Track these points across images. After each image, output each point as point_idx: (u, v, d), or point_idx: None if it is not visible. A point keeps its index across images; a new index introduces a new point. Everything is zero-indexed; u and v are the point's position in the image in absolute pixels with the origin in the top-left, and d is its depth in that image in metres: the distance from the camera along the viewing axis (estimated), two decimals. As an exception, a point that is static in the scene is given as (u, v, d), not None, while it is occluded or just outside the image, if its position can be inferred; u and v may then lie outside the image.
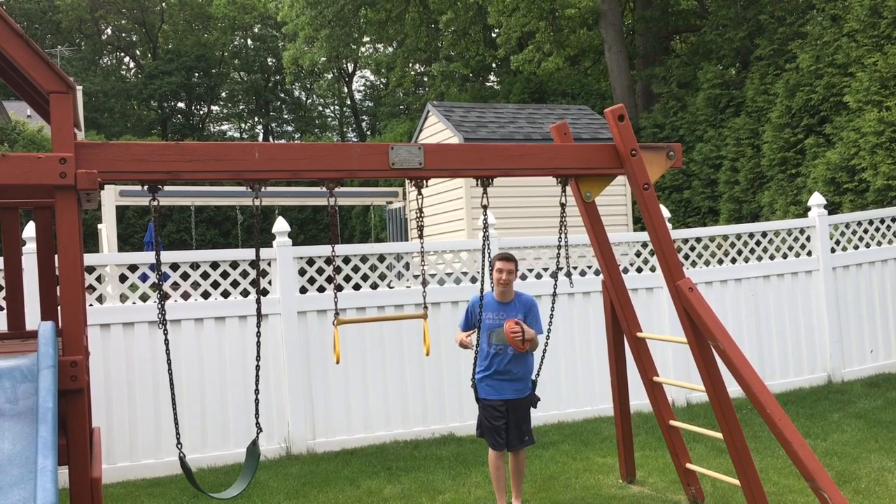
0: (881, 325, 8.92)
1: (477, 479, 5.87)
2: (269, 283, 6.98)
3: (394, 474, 6.08)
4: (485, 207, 4.58)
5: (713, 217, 15.71)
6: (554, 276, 7.72)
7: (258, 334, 4.24)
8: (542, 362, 5.11)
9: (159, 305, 4.00)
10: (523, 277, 7.76)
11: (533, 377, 5.13)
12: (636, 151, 4.64)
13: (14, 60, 3.45)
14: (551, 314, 5.15)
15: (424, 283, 4.95)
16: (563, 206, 4.86)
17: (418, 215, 4.57)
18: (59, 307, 4.29)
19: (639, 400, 6.11)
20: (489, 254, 4.93)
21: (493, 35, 26.35)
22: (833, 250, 8.72)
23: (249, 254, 6.92)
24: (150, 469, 6.37)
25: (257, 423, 4.22)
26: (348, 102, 45.52)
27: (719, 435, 4.68)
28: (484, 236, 4.82)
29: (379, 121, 39.82)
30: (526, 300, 5.18)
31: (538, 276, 7.79)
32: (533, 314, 5.10)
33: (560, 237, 5.01)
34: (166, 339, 3.99)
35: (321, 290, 7.13)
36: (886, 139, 10.57)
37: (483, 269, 4.95)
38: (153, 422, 6.45)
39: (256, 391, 4.23)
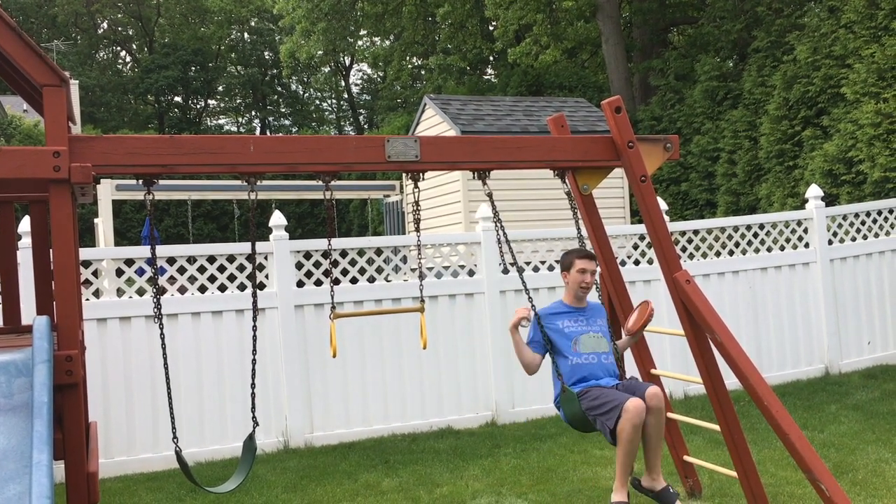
0: (878, 317, 8.93)
1: (475, 471, 5.87)
2: (266, 277, 6.97)
3: (392, 467, 6.08)
4: (489, 195, 4.50)
5: (711, 209, 15.70)
6: (551, 269, 7.75)
7: (255, 328, 4.23)
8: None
9: (156, 300, 3.99)
10: (521, 271, 7.75)
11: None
12: (633, 143, 4.62)
13: (6, 53, 3.43)
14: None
15: (422, 277, 4.94)
16: (569, 195, 4.81)
17: (415, 208, 4.56)
18: (54, 302, 4.28)
19: (636, 392, 6.10)
20: (500, 245, 4.61)
21: (491, 28, 26.28)
22: (830, 242, 8.72)
23: (246, 248, 6.90)
24: (147, 463, 6.37)
25: (254, 416, 4.21)
26: (345, 96, 45.45)
27: (717, 427, 4.68)
28: (497, 225, 4.53)
29: (376, 114, 39.77)
30: (600, 306, 4.75)
31: (535, 270, 7.78)
32: (607, 322, 4.69)
33: (561, 229, 4.98)
34: (162, 334, 3.98)
35: (318, 283, 7.12)
36: (884, 131, 10.56)
37: (503, 258, 4.63)
38: (150, 416, 6.44)
39: (253, 385, 4.22)
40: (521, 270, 4.69)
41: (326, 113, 48.24)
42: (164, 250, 6.59)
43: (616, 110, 4.63)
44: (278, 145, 4.07)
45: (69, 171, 3.40)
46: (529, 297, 4.58)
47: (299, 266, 7.07)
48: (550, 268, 7.81)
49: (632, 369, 5.36)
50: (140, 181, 3.87)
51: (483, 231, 7.41)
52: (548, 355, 4.59)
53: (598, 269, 4.73)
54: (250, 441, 4.22)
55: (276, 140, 4.08)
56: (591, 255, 4.69)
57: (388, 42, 32.19)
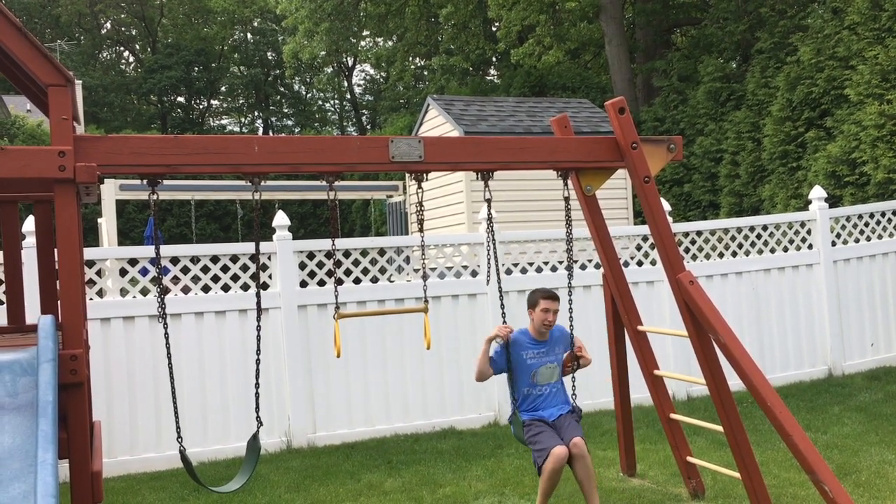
0: (882, 319, 8.92)
1: (477, 472, 5.87)
2: (270, 277, 6.98)
3: (394, 468, 6.09)
4: (488, 201, 4.57)
5: (714, 211, 15.69)
6: (554, 269, 7.76)
7: (258, 328, 4.24)
8: (574, 385, 4.95)
9: (159, 299, 3.99)
10: (523, 271, 7.76)
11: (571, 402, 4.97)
12: (637, 144, 4.62)
13: (12, 53, 3.44)
14: (570, 308, 4.98)
15: (425, 277, 4.95)
16: (566, 199, 4.83)
17: (418, 209, 4.57)
18: (58, 301, 4.29)
19: (639, 393, 6.11)
20: (492, 247, 4.90)
21: (494, 29, 26.30)
22: (834, 244, 8.71)
23: (249, 248, 6.91)
24: (150, 463, 6.38)
25: (258, 416, 4.22)
26: (348, 96, 45.47)
27: (720, 428, 4.68)
28: (486, 229, 4.78)
29: (379, 115, 39.79)
30: (562, 332, 5.00)
31: (538, 270, 7.78)
32: (568, 342, 4.95)
33: (558, 231, 5.00)
34: (166, 333, 3.99)
35: (321, 283, 7.12)
36: (887, 132, 10.54)
37: (490, 264, 4.92)
38: (154, 415, 6.45)
39: (257, 385, 4.23)
40: (500, 279, 4.91)
41: (329, 113, 48.27)
42: (167, 250, 6.60)
43: (620, 111, 4.63)
44: (282, 145, 4.08)
45: (74, 170, 3.41)
46: (504, 320, 4.90)
47: (302, 266, 7.07)
48: (553, 269, 7.80)
49: (633, 370, 5.37)
50: (144, 181, 3.88)
51: (486, 232, 7.39)
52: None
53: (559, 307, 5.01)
54: (254, 441, 4.23)
55: (280, 140, 4.09)
56: (555, 295, 4.99)
57: (390, 43, 32.21)
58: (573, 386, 4.98)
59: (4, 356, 3.13)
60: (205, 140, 3.92)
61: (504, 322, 4.90)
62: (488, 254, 4.86)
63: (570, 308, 4.95)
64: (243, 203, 20.96)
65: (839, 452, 5.83)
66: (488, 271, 5.01)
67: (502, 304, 4.92)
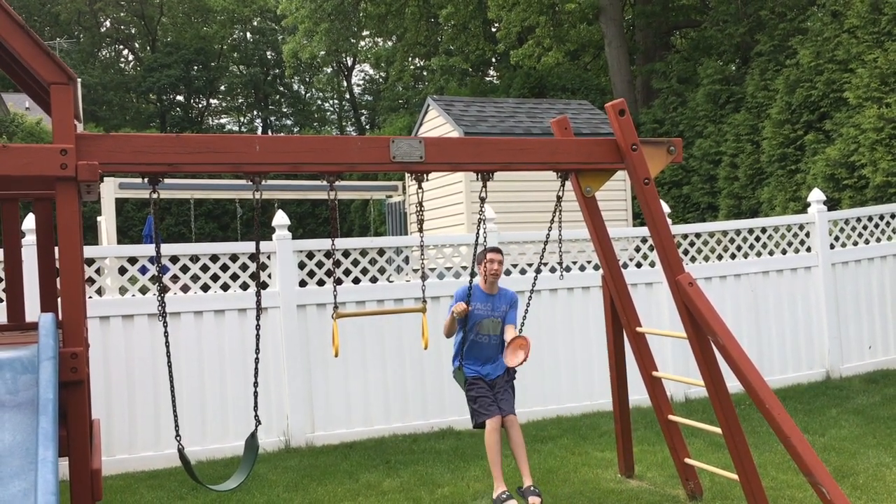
0: (880, 322, 8.93)
1: (476, 472, 5.88)
2: (269, 276, 6.98)
3: (393, 468, 6.09)
4: (482, 200, 4.59)
5: (712, 213, 15.71)
6: (553, 270, 7.76)
7: (258, 327, 4.24)
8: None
9: (159, 298, 4.00)
10: (522, 272, 7.76)
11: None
12: (637, 146, 4.64)
13: (15, 51, 3.44)
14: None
15: (424, 277, 4.96)
16: (559, 198, 4.89)
17: (418, 209, 4.58)
18: (58, 299, 4.29)
19: (638, 395, 6.12)
20: (485, 245, 5.14)
21: (493, 29, 26.31)
22: (832, 246, 8.73)
23: (249, 247, 6.92)
24: (149, 461, 6.38)
25: (256, 415, 4.22)
26: (347, 96, 45.46)
27: (718, 430, 4.69)
28: (479, 228, 4.91)
29: (378, 115, 39.77)
30: (511, 295, 5.46)
31: (537, 271, 7.77)
32: (515, 309, 5.41)
33: (553, 231, 5.12)
34: (166, 332, 3.99)
35: (321, 283, 7.13)
36: (886, 136, 10.57)
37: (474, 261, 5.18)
38: (152, 414, 6.45)
39: (255, 384, 4.23)
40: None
41: (328, 113, 48.24)
42: (167, 249, 6.60)
43: (620, 113, 4.64)
44: (283, 145, 4.09)
45: (76, 168, 3.42)
46: (468, 301, 5.21)
47: (302, 266, 7.07)
48: (552, 269, 7.81)
49: (633, 370, 5.38)
50: (145, 179, 3.89)
51: (484, 232, 7.40)
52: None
53: (504, 259, 5.57)
54: (252, 440, 4.24)
55: (281, 140, 4.10)
56: (499, 249, 5.50)
57: (390, 43, 32.22)
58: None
59: (5, 354, 3.13)
60: (206, 139, 3.93)
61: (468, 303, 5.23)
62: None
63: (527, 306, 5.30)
64: (242, 202, 20.95)
65: (837, 455, 5.85)
66: (473, 268, 5.32)
67: (471, 286, 5.21)
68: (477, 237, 5.09)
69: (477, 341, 5.34)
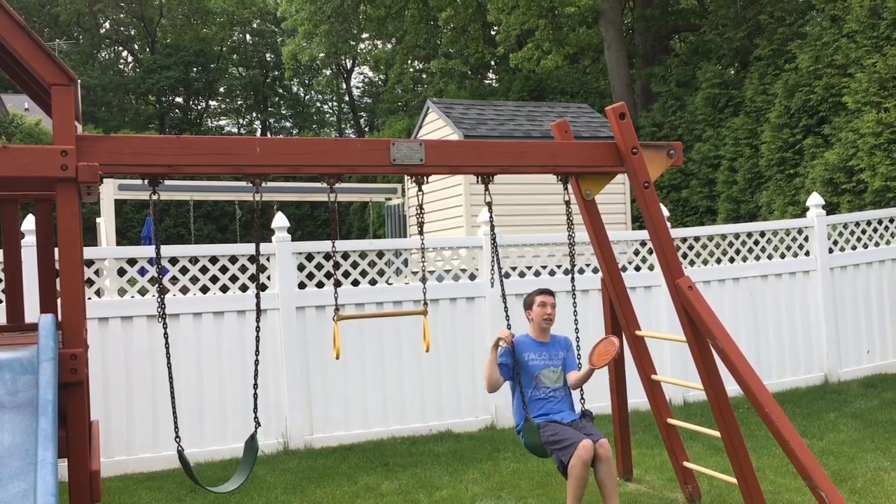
0: (878, 326, 8.94)
1: (474, 475, 5.88)
2: (268, 278, 6.98)
3: (391, 470, 6.09)
4: (489, 204, 4.57)
5: (711, 216, 15.72)
6: (552, 274, 7.77)
7: (257, 329, 4.24)
8: (582, 389, 4.92)
9: (158, 299, 3.99)
10: (521, 275, 7.77)
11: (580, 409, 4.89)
12: (637, 149, 4.64)
13: (15, 52, 3.44)
14: (575, 314, 4.96)
15: (424, 280, 4.96)
16: (567, 203, 4.84)
17: (418, 212, 4.58)
18: (58, 300, 4.29)
19: (636, 398, 6.11)
20: (495, 251, 4.79)
21: (493, 32, 26.33)
22: (831, 251, 8.74)
23: (248, 249, 6.92)
24: (147, 463, 6.38)
25: (256, 417, 4.22)
26: (347, 99, 45.46)
27: (717, 433, 4.69)
28: (480, 232, 4.82)
29: (377, 117, 39.79)
30: (563, 339, 4.97)
31: (536, 274, 7.79)
32: (571, 352, 4.92)
33: (559, 234, 5.02)
34: (165, 334, 3.99)
35: (320, 285, 7.13)
36: (885, 140, 10.58)
37: (494, 268, 4.85)
38: (151, 416, 6.45)
39: (255, 386, 4.22)
40: (504, 278, 4.84)
41: (327, 115, 48.24)
42: (166, 250, 6.59)
43: (620, 116, 4.65)
44: (284, 147, 4.09)
45: (76, 170, 3.42)
46: (508, 323, 4.75)
47: (301, 268, 7.07)
48: (552, 273, 7.81)
49: (632, 374, 5.38)
50: (145, 181, 3.89)
51: (485, 235, 7.42)
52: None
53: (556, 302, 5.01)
54: (252, 441, 4.23)
55: (281, 142, 4.11)
56: (549, 290, 5.00)
57: (389, 45, 32.23)
58: (581, 391, 4.95)
59: (5, 354, 3.13)
60: (207, 141, 3.93)
61: (508, 325, 4.78)
62: (493, 259, 4.81)
63: (575, 311, 4.95)
64: (241, 204, 20.96)
65: (835, 459, 5.85)
66: (491, 275, 4.98)
67: (506, 308, 4.82)
68: (493, 244, 4.73)
69: (539, 398, 4.75)
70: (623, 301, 5.22)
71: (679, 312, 4.60)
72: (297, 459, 6.49)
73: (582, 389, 4.93)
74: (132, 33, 45.46)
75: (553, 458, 4.65)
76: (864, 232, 8.98)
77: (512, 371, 4.76)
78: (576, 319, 4.97)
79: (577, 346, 4.93)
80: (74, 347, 3.34)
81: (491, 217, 4.74)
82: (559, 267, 7.81)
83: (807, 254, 8.68)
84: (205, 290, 6.83)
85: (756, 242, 8.55)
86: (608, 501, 4.55)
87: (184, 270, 6.75)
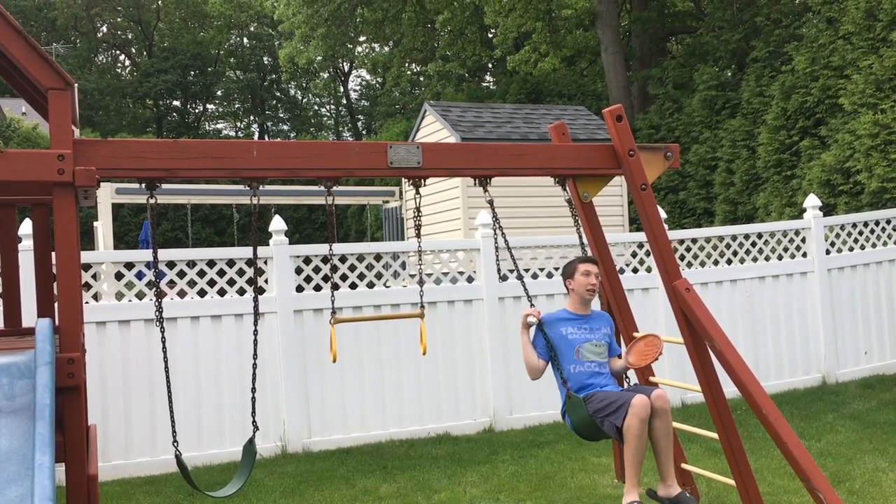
0: (875, 327, 8.95)
1: (472, 478, 5.88)
2: (266, 281, 6.98)
3: (389, 473, 6.09)
4: (490, 203, 4.53)
5: (708, 218, 15.74)
6: (550, 276, 7.77)
7: (256, 332, 4.23)
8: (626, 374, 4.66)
9: (156, 303, 3.99)
10: (519, 278, 7.76)
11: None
12: (634, 152, 4.65)
13: (12, 57, 3.44)
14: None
15: (421, 283, 4.96)
16: (569, 202, 4.84)
17: (416, 214, 4.58)
18: (55, 304, 4.28)
19: (634, 400, 6.12)
20: (498, 250, 4.71)
21: (490, 35, 26.36)
22: (828, 252, 8.75)
23: (246, 252, 6.91)
24: (145, 467, 6.37)
25: (254, 421, 4.21)
26: (344, 102, 45.50)
27: (715, 435, 4.69)
28: (495, 236, 4.74)
29: (375, 120, 39.82)
30: (605, 315, 4.77)
31: (534, 277, 7.80)
32: (613, 332, 4.68)
33: (560, 236, 5.04)
34: (163, 337, 3.99)
35: (317, 288, 7.13)
36: (881, 141, 10.60)
37: (497, 266, 4.81)
38: (148, 420, 6.44)
39: (253, 389, 4.22)
40: (520, 277, 4.78)
41: (325, 118, 48.26)
42: (164, 254, 6.59)
43: (617, 119, 4.65)
44: (281, 150, 4.09)
45: (73, 174, 3.41)
46: (531, 301, 4.66)
47: (299, 271, 7.07)
48: (549, 275, 7.82)
49: (630, 377, 5.37)
50: (143, 185, 3.89)
51: (482, 238, 7.42)
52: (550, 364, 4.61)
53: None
54: (250, 445, 4.23)
55: (278, 145, 4.11)
56: (594, 259, 4.75)
57: (387, 48, 32.27)
58: (626, 375, 4.69)
59: (2, 359, 3.13)
60: (204, 144, 3.93)
61: (532, 305, 4.55)
62: (496, 255, 4.76)
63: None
64: (239, 207, 20.96)
65: (833, 460, 5.85)
66: (498, 269, 4.88)
67: (526, 290, 4.66)
68: (496, 240, 4.66)
69: (583, 371, 4.44)
70: (621, 303, 5.22)
71: (676, 314, 4.60)
72: (295, 463, 6.49)
73: (626, 374, 4.60)
74: (129, 37, 45.46)
75: (606, 429, 4.24)
76: (861, 233, 8.99)
77: (548, 350, 4.48)
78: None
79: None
80: (72, 352, 3.34)
81: (494, 214, 4.69)
82: (557, 269, 7.81)
83: (804, 255, 8.69)
84: (202, 293, 6.83)
85: (753, 244, 8.56)
86: (663, 460, 4.26)
87: (181, 274, 6.74)
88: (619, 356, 4.71)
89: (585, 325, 4.61)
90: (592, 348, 4.55)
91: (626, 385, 4.74)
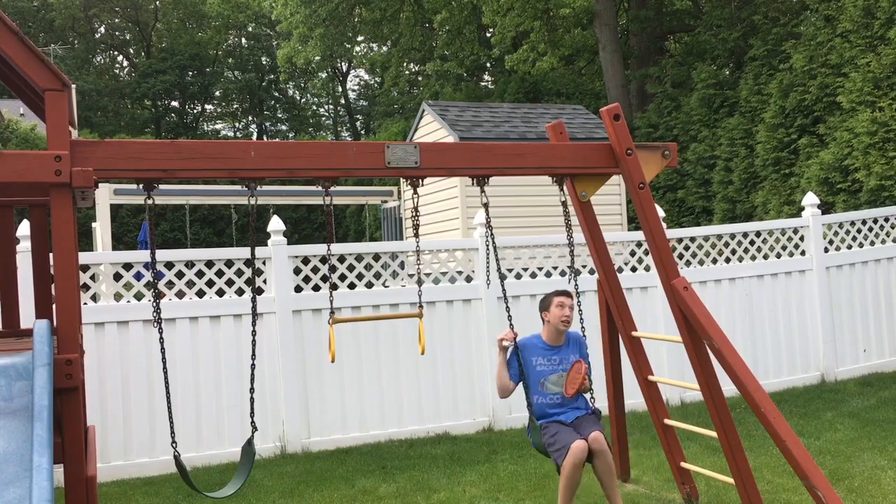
0: (874, 325, 8.96)
1: (472, 477, 5.88)
2: (265, 281, 6.98)
3: (389, 473, 6.09)
4: (485, 205, 4.57)
5: (707, 217, 15.75)
6: (548, 275, 7.77)
7: (254, 333, 4.23)
8: (591, 389, 4.80)
9: (154, 304, 3.99)
10: (518, 277, 7.77)
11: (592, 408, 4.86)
12: (632, 150, 4.65)
13: (9, 58, 3.44)
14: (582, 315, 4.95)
15: (420, 283, 4.96)
16: (564, 204, 4.85)
17: (414, 214, 4.58)
18: (53, 305, 4.28)
19: (633, 399, 6.12)
20: (493, 251, 4.78)
21: (488, 35, 26.36)
22: (826, 250, 8.75)
23: (245, 252, 6.91)
24: (144, 468, 6.37)
25: (253, 422, 4.21)
26: (342, 102, 45.48)
27: (714, 433, 4.70)
28: (476, 233, 4.83)
29: (373, 120, 39.83)
30: (577, 336, 4.93)
31: (532, 276, 7.79)
32: (584, 351, 4.87)
33: (555, 235, 5.03)
34: (161, 338, 3.98)
35: (316, 288, 7.12)
36: (879, 139, 10.61)
37: (490, 268, 4.84)
38: (147, 421, 6.43)
39: (252, 390, 4.22)
40: (503, 278, 4.85)
41: (323, 118, 48.25)
42: (162, 255, 6.59)
43: (615, 118, 4.65)
44: (279, 151, 4.08)
45: (70, 175, 3.41)
46: (510, 323, 4.75)
47: (297, 271, 7.07)
48: (548, 274, 7.82)
49: (629, 375, 5.38)
50: (141, 185, 3.88)
51: (480, 237, 7.42)
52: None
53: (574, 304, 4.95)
54: (249, 446, 4.22)
55: (276, 145, 4.10)
56: (568, 292, 4.93)
57: (385, 48, 32.26)
58: (591, 390, 4.83)
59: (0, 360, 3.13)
60: (202, 145, 3.92)
61: (511, 326, 4.75)
62: (486, 258, 4.82)
63: (580, 311, 4.92)
64: (237, 208, 20.96)
65: (832, 458, 5.86)
66: (487, 275, 4.99)
67: (508, 308, 4.80)
68: (488, 246, 4.74)
69: (547, 402, 4.75)
70: (619, 302, 5.23)
71: (675, 313, 4.60)
72: (294, 463, 6.48)
73: (592, 390, 4.81)
74: (127, 38, 45.42)
75: (553, 459, 4.68)
76: (859, 231, 9.00)
77: (519, 375, 4.77)
78: (581, 319, 4.94)
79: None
80: (70, 353, 3.34)
81: (488, 218, 4.71)
82: (555, 269, 7.82)
83: (802, 253, 8.69)
84: (201, 294, 6.82)
85: (752, 242, 8.56)
86: (609, 494, 4.58)
87: (180, 275, 6.74)
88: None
89: (555, 357, 4.84)
90: (557, 379, 4.80)
91: (592, 404, 4.87)
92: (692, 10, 22.41)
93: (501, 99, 22.57)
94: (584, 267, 7.95)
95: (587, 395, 4.85)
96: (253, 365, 4.23)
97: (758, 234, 8.61)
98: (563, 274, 7.83)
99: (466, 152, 4.48)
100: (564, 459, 4.42)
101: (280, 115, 46.91)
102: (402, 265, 8.06)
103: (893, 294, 9.05)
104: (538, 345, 4.87)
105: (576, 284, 4.98)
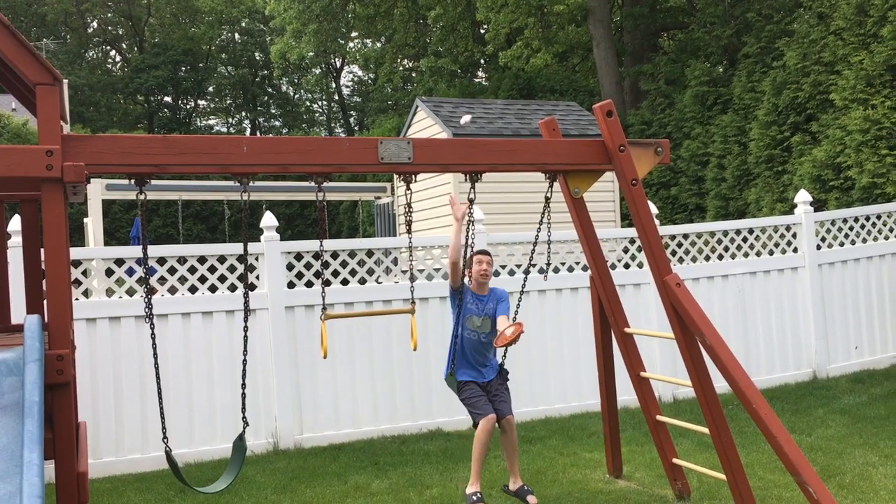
0: (866, 322, 8.99)
1: (465, 473, 5.87)
2: (257, 277, 6.96)
3: (381, 469, 6.08)
4: (471, 201, 4.61)
5: (700, 214, 15.77)
6: (541, 272, 7.77)
7: (246, 329, 4.23)
8: (505, 351, 5.33)
9: (146, 300, 3.98)
10: (511, 273, 7.77)
11: (499, 360, 5.39)
12: (624, 147, 4.65)
13: (0, 51, 3.42)
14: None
15: (412, 279, 4.96)
16: (547, 199, 4.89)
17: (407, 210, 4.57)
18: (44, 301, 4.27)
19: (626, 395, 6.14)
20: (472, 248, 5.10)
21: (482, 31, 26.33)
22: (819, 247, 8.78)
23: (237, 248, 6.89)
24: (136, 464, 6.35)
25: (244, 417, 4.21)
26: (336, 98, 45.37)
27: (706, 430, 4.71)
28: (468, 230, 4.90)
29: (367, 116, 39.76)
30: (499, 292, 5.40)
31: (526, 272, 7.78)
32: (504, 302, 5.37)
33: (542, 232, 5.11)
34: (153, 334, 3.97)
35: (309, 284, 7.11)
36: (872, 137, 10.64)
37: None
38: (139, 416, 6.42)
39: (244, 386, 4.21)
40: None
41: (317, 114, 48.14)
42: (154, 251, 6.57)
43: (608, 114, 4.66)
44: (271, 146, 4.07)
45: (62, 170, 3.40)
46: (470, 219, 5.04)
47: (290, 267, 7.06)
48: (541, 270, 7.81)
49: (621, 371, 5.39)
50: (132, 181, 3.87)
51: (477, 234, 7.40)
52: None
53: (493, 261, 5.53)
54: (240, 441, 4.22)
55: (269, 141, 4.09)
56: (486, 251, 5.45)
57: (379, 44, 32.20)
58: (504, 350, 5.29)
59: (-10, 356, 3.11)
60: (194, 140, 3.91)
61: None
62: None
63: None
64: (230, 204, 20.91)
65: (823, 454, 5.88)
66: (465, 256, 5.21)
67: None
68: (467, 239, 5.04)
69: (467, 337, 5.26)
70: (612, 299, 5.23)
71: (667, 310, 4.61)
72: (286, 459, 6.48)
73: (505, 350, 5.29)
74: (120, 32, 45.22)
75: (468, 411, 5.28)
76: (851, 228, 9.03)
77: (458, 303, 5.25)
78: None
79: (516, 312, 5.34)
80: (61, 348, 3.33)
81: (471, 213, 4.77)
82: (548, 265, 7.80)
83: (795, 251, 8.71)
84: (193, 290, 6.81)
85: (745, 239, 8.58)
86: (510, 462, 5.25)
87: (172, 270, 6.72)
88: (506, 316, 5.29)
89: (479, 303, 5.34)
90: (475, 319, 5.28)
91: (503, 360, 5.39)
92: (686, 7, 22.41)
93: (495, 95, 22.55)
94: (577, 263, 7.96)
95: (500, 350, 5.36)
96: (245, 360, 4.23)
97: (750, 231, 8.63)
98: (556, 270, 7.84)
99: (460, 148, 4.48)
100: (479, 427, 5.06)
101: (273, 111, 46.77)
102: (395, 261, 8.05)
103: (885, 291, 9.09)
104: (470, 291, 5.35)
105: (545, 278, 5.76)
